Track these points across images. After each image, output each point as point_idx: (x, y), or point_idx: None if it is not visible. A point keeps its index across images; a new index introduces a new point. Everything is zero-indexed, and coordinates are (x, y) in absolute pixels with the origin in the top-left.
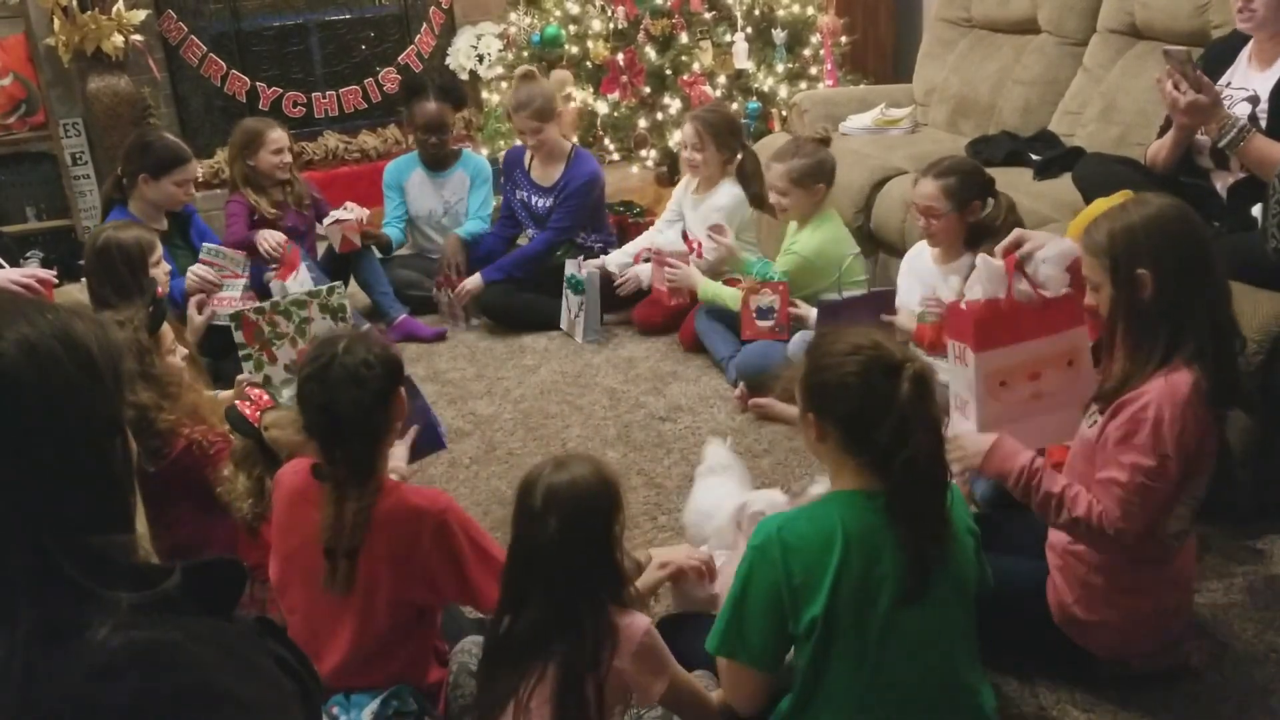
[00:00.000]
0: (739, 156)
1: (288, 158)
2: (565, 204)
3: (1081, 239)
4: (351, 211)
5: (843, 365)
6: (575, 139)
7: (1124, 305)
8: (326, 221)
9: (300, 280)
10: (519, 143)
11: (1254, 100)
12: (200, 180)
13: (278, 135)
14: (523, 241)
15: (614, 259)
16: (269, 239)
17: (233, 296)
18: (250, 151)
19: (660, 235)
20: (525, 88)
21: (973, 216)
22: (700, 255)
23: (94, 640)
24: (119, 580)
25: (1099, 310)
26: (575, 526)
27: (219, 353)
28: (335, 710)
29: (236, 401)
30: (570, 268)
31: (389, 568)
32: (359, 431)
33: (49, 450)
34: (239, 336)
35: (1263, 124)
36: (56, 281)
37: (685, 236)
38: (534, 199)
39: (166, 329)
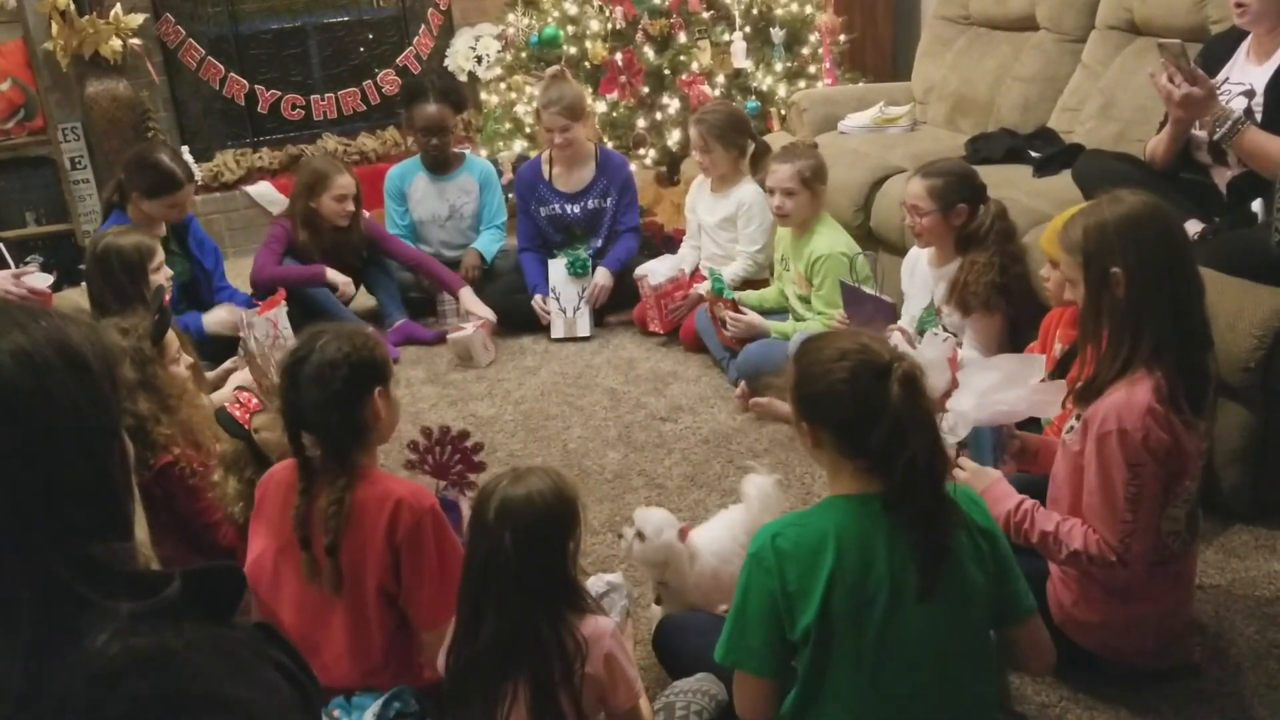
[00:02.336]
0: (750, 150)
1: (351, 206)
2: (626, 197)
3: (1059, 235)
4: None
5: (831, 373)
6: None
7: (1095, 302)
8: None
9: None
10: (519, 155)
11: (1250, 94)
12: (200, 184)
13: (345, 181)
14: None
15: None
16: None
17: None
18: (314, 193)
19: (652, 265)
20: (555, 86)
21: (957, 220)
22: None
23: (93, 647)
24: (119, 588)
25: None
26: (531, 542)
27: (220, 357)
28: (336, 713)
29: (226, 404)
30: (569, 254)
31: (373, 556)
32: (322, 429)
33: (46, 459)
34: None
35: (1258, 117)
36: (52, 288)
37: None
38: (566, 207)
39: (171, 337)
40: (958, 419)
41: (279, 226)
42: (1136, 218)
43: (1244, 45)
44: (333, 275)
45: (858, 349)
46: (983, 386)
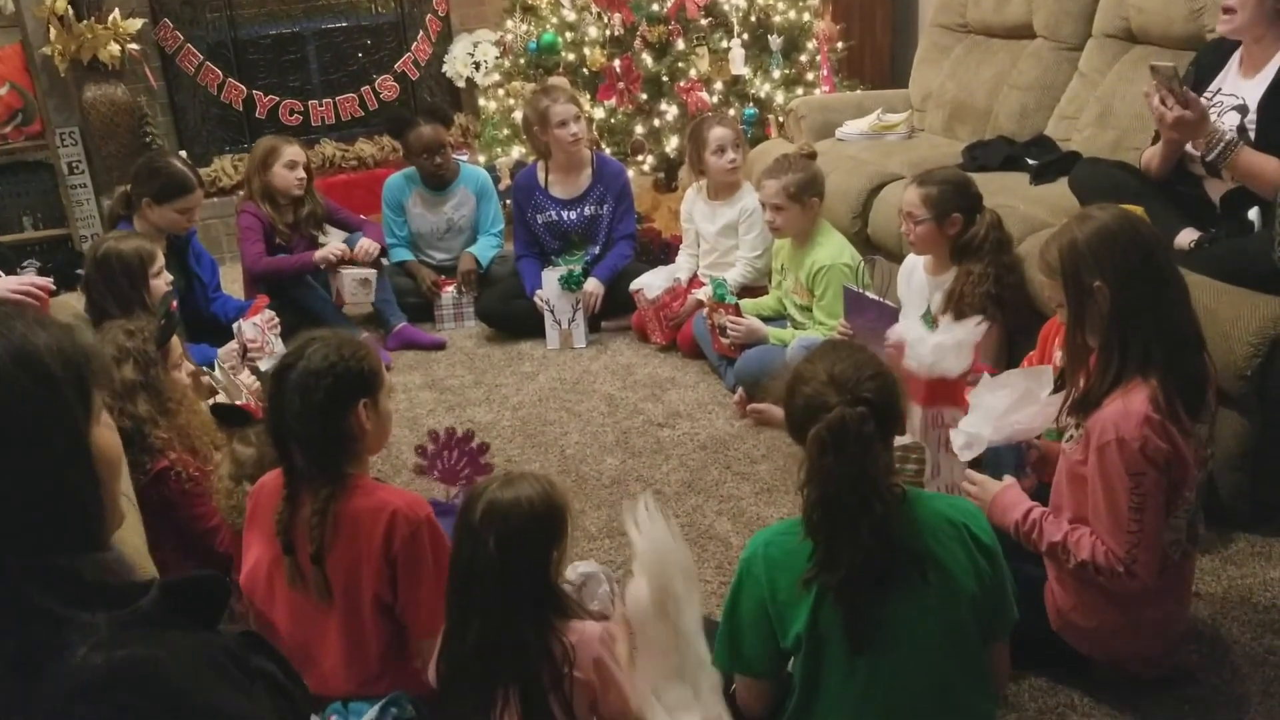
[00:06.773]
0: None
1: (302, 174)
2: (622, 204)
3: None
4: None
5: (794, 394)
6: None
7: (1079, 319)
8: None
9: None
10: (517, 161)
11: (1242, 110)
12: None
13: (293, 150)
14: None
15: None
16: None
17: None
18: (267, 166)
19: (647, 278)
20: (549, 90)
21: (951, 229)
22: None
23: (75, 661)
24: (95, 599)
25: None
26: (514, 546)
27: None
28: (333, 719)
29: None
30: (562, 269)
31: (369, 568)
32: (303, 439)
33: (1, 473)
34: None
35: (1251, 134)
36: (53, 289)
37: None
38: (563, 213)
39: (174, 343)
40: (972, 439)
41: (247, 214)
42: (1108, 230)
43: (1236, 55)
44: (323, 253)
45: (824, 380)
46: (998, 407)
